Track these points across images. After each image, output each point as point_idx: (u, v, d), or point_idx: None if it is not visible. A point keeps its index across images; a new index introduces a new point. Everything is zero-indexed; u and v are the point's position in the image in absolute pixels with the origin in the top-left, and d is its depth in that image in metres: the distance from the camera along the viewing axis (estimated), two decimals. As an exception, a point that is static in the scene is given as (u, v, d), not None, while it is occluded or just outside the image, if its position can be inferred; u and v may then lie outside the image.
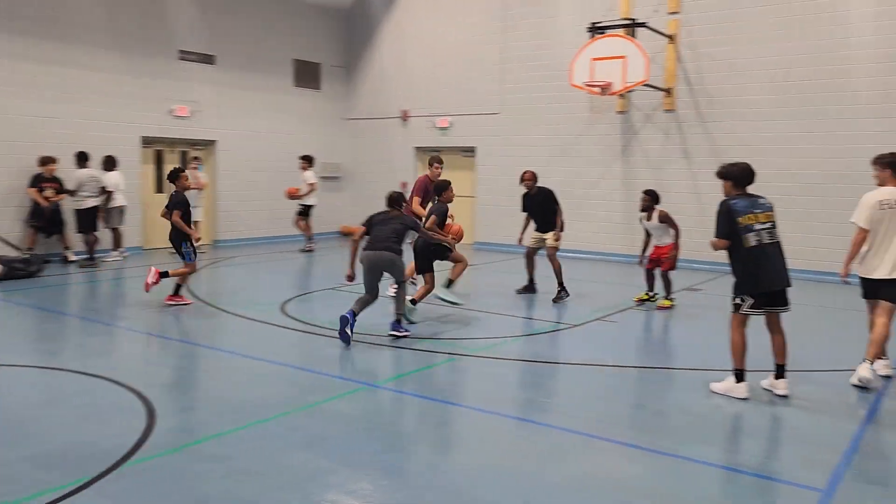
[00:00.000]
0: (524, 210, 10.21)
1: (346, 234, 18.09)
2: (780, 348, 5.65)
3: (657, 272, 9.31)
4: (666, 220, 9.08)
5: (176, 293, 8.85)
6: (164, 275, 8.76)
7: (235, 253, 14.39)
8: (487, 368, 6.48)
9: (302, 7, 17.07)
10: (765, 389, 5.72)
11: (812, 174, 12.05)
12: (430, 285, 8.22)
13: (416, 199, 9.65)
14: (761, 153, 12.31)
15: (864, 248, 6.06)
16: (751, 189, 5.69)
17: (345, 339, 6.91)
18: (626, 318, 8.74)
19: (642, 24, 12.64)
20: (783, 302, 5.58)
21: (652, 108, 13.76)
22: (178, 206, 8.74)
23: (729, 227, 5.48)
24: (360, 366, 6.51)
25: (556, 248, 9.71)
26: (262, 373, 6.18)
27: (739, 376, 5.57)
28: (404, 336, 7.30)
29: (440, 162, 10.11)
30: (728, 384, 5.64)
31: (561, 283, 9.58)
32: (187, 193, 9.13)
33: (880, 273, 5.98)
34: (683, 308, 9.29)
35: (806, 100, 12.18)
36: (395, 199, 7.60)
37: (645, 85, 12.42)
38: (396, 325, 7.39)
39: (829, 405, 5.56)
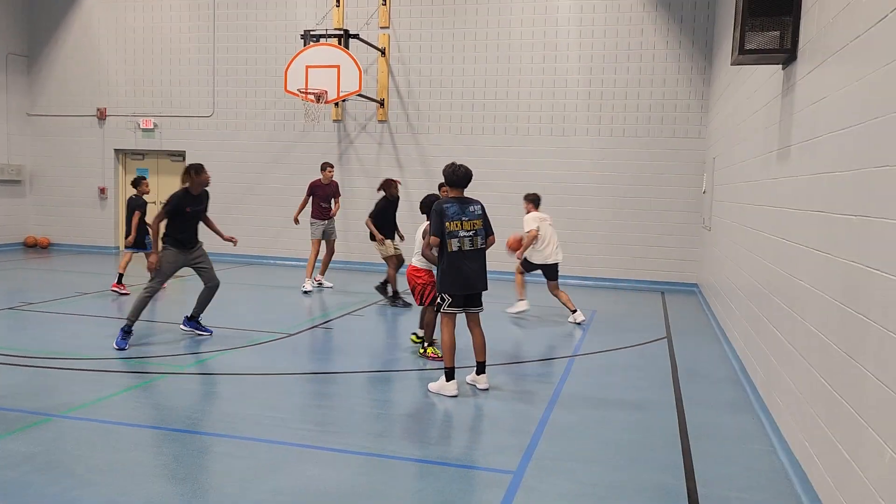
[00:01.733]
0: (386, 219, 10.05)
1: (32, 245, 15.91)
2: (479, 346, 6.09)
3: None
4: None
5: (119, 281, 10.35)
6: (120, 278, 10.35)
7: None
8: (194, 385, 6.10)
9: (-31, -18, 14.69)
10: (469, 384, 6.14)
11: (507, 184, 13.31)
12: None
13: (303, 199, 11.24)
14: (464, 164, 13.33)
15: (536, 245, 9.17)
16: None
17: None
18: (342, 324, 8.83)
19: (355, 36, 12.95)
20: (478, 303, 6.05)
21: (366, 119, 14.16)
22: (137, 208, 10.35)
23: (441, 227, 5.83)
24: (42, 394, 5.70)
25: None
26: None
27: (450, 374, 5.91)
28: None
29: (332, 166, 11.44)
30: (440, 383, 5.95)
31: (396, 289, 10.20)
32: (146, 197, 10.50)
33: (552, 260, 9.22)
34: (398, 311, 9.66)
35: (501, 117, 13.43)
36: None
37: (359, 95, 12.73)
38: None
39: (522, 393, 6.13)
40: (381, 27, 13.88)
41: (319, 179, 11.21)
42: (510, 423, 5.37)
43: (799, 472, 4.29)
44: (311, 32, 12.80)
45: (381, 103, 13.93)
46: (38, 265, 13.76)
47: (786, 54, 5.23)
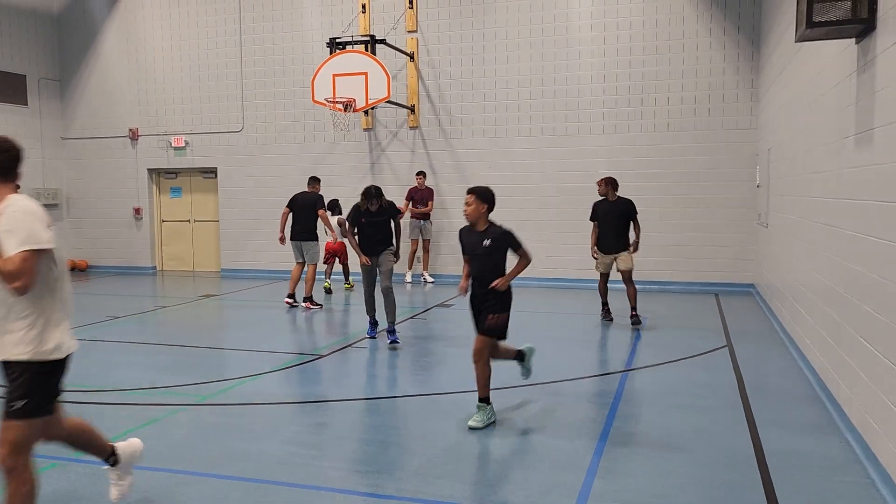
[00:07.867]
0: (593, 219, 9.15)
1: (71, 269, 15.84)
2: None
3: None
4: None
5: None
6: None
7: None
8: (217, 418, 5.65)
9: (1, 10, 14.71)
10: None
11: (545, 188, 12.73)
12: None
13: (405, 203, 12.80)
14: (500, 168, 12.82)
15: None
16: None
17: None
18: (375, 343, 8.34)
19: (381, 41, 12.53)
20: None
21: (397, 126, 13.72)
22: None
23: None
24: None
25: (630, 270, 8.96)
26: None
27: None
28: None
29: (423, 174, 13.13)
30: None
31: (635, 308, 8.95)
32: None
33: None
34: (438, 326, 9.15)
35: (538, 118, 12.84)
36: None
37: (388, 102, 12.29)
38: None
39: (572, 420, 5.54)
40: (409, 31, 13.43)
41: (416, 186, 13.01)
42: (560, 457, 4.78)
43: (907, 512, 3.64)
44: (338, 40, 12.41)
45: (412, 109, 13.47)
46: (77, 289, 13.62)
47: (861, 25, 4.57)
